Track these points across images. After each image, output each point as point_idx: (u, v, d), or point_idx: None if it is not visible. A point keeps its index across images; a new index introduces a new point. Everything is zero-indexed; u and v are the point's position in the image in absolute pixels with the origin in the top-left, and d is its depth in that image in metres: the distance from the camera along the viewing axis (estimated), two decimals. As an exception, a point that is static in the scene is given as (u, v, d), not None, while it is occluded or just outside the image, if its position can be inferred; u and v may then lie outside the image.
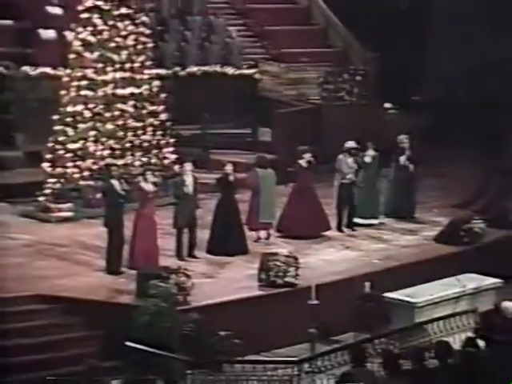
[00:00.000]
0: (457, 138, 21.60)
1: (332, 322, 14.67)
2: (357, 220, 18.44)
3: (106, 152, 18.56)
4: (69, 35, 19.45)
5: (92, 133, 18.50)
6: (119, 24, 18.88)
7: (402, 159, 18.93)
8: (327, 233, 17.94)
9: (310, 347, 14.27)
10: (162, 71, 21.20)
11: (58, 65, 19.72)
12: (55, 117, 18.49)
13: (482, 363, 10.96)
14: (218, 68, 23.32)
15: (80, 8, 18.87)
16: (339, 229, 18.16)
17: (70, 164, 18.31)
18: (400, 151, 19.01)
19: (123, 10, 18.91)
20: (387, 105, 23.70)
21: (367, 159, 18.52)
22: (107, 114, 18.68)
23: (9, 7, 21.62)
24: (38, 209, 18.25)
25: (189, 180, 16.49)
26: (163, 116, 19.35)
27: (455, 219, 18.04)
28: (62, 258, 16.20)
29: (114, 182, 15.92)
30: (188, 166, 16.72)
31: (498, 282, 16.50)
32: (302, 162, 17.72)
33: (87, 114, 18.53)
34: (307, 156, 17.72)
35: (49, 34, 21.10)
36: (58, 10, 21.30)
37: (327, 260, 16.81)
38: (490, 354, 11.42)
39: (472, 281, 16.30)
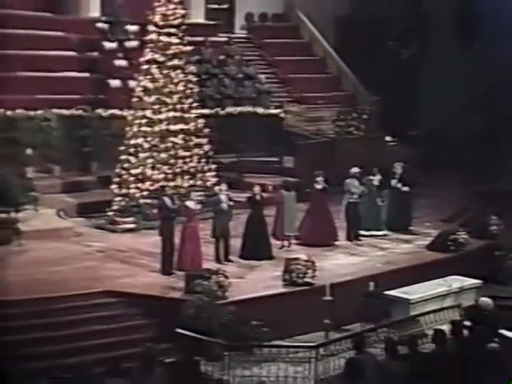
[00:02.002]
0: (444, 166, 21.40)
1: (342, 314, 14.57)
2: (362, 232, 18.24)
3: (161, 176, 18.45)
4: (132, 83, 19.47)
5: (150, 160, 18.45)
6: (172, 73, 18.81)
7: (396, 182, 18.70)
8: (337, 242, 17.76)
9: (325, 335, 14.18)
10: (206, 111, 21.09)
11: (123, 107, 19.71)
12: (121, 148, 18.48)
13: (465, 348, 11.02)
14: (250, 108, 23.20)
15: (141, 60, 18.86)
16: (348, 239, 17.97)
17: (132, 186, 18.25)
18: (398, 176, 18.81)
19: (175, 62, 18.85)
20: (388, 138, 23.54)
21: (375, 182, 18.38)
22: (162, 146, 18.61)
23: (86, 62, 21.90)
24: (107, 222, 18.18)
25: (224, 198, 16.41)
26: (206, 147, 19.22)
27: (443, 231, 17.93)
28: (125, 262, 16.16)
29: (167, 200, 15.91)
30: (223, 187, 16.64)
31: (478, 282, 16.39)
32: (318, 185, 17.65)
33: (146, 145, 18.48)
34: (321, 180, 17.62)
35: (116, 82, 21.15)
36: (123, 63, 21.31)
37: (338, 264, 16.67)
38: (471, 341, 11.44)
39: (457, 281, 16.21)
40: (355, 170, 18.11)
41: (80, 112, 20.70)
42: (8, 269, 15.14)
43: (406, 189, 18.67)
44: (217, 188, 18.26)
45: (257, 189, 16.87)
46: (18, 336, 13.03)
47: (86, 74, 21.73)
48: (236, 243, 16.63)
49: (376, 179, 18.41)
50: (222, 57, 24.03)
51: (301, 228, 17.51)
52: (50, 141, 20.01)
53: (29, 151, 19.46)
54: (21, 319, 13.42)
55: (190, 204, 15.85)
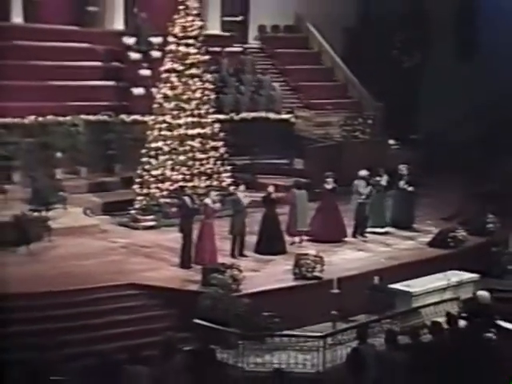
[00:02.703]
0: (444, 168, 21.31)
1: (349, 306, 14.56)
2: (368, 229, 18.23)
3: (180, 177, 18.43)
4: (154, 91, 19.46)
5: (169, 162, 18.43)
6: (190, 81, 18.75)
7: (403, 183, 18.74)
8: (345, 238, 17.75)
9: (332, 325, 14.18)
10: (222, 116, 21.01)
11: (145, 113, 19.66)
12: (143, 151, 18.48)
13: (463, 339, 11.00)
14: (263, 114, 23.05)
15: (161, 69, 18.90)
16: (354, 235, 17.98)
17: (153, 186, 18.23)
18: (401, 177, 18.82)
19: (193, 71, 18.81)
20: (391, 142, 23.46)
21: (383, 182, 18.35)
22: (180, 149, 18.58)
23: (111, 72, 21.80)
24: (129, 219, 18.16)
25: (242, 198, 16.51)
26: (222, 150, 19.18)
27: (443, 229, 17.88)
28: (147, 256, 16.16)
29: (187, 200, 15.97)
30: (242, 187, 16.72)
31: (476, 276, 16.37)
32: (327, 185, 17.67)
33: (166, 148, 18.46)
34: (330, 181, 17.64)
35: (139, 90, 21.13)
36: (147, 72, 21.25)
37: (345, 259, 16.64)
38: (470, 331, 11.45)
39: (455, 276, 16.17)
40: (363, 172, 18.09)
41: (105, 118, 20.70)
42: (41, 263, 15.31)
43: (411, 189, 18.65)
44: (232, 188, 18.39)
45: (271, 189, 16.87)
46: (50, 325, 13.11)
47: (111, 83, 21.70)
48: (251, 239, 16.61)
49: (383, 180, 18.37)
50: (238, 66, 23.95)
51: (312, 225, 17.47)
52: (78, 144, 20.05)
53: (58, 154, 19.56)
54: (53, 309, 13.51)
55: (208, 203, 15.85)
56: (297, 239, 17.28)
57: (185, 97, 18.68)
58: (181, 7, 18.63)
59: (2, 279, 13.98)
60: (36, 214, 16.49)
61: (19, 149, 19.09)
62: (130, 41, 21.82)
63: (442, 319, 11.84)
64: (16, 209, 16.52)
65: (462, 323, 11.85)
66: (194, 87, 18.79)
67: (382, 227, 18.44)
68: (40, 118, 19.73)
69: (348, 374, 10.33)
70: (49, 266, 15.16)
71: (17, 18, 21.57)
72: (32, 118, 19.64)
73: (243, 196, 16.49)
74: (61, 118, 19.99)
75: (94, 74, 21.69)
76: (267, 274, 15.52)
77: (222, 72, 23.27)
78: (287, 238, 17.05)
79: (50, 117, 19.89)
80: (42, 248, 15.96)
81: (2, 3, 21.24)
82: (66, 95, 20.48)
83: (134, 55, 21.70)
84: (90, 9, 23.18)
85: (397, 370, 10.24)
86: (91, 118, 20.55)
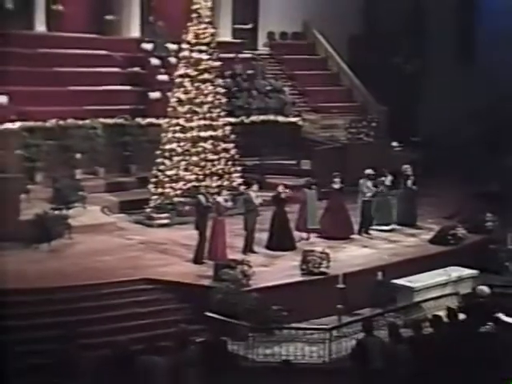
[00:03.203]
0: (444, 169, 21.25)
1: (354, 300, 14.55)
2: (374, 227, 18.22)
3: (192, 177, 18.43)
4: (169, 95, 19.37)
5: (183, 163, 18.41)
6: (202, 86, 18.72)
7: (408, 182, 18.74)
8: (352, 236, 17.71)
9: (338, 318, 14.16)
10: (232, 119, 20.93)
11: (160, 116, 19.69)
12: (157, 152, 18.48)
13: (463, 332, 11.02)
14: (272, 117, 23.00)
15: (175, 74, 18.93)
16: (360, 233, 17.95)
17: (167, 185, 18.22)
18: (405, 177, 18.80)
19: (205, 76, 18.76)
20: (394, 144, 23.36)
21: (387, 182, 18.33)
22: (193, 150, 18.56)
23: (128, 77, 21.99)
24: (145, 217, 18.15)
25: (254, 197, 16.48)
26: (233, 151, 19.13)
27: (444, 227, 17.86)
28: (162, 253, 16.15)
29: (201, 198, 16.00)
30: (254, 187, 16.71)
31: (475, 272, 16.34)
32: (335, 185, 17.65)
33: (179, 150, 18.44)
34: (338, 180, 17.64)
35: (155, 94, 21.14)
36: (164, 77, 21.24)
37: (351, 255, 16.58)
38: (470, 324, 11.45)
39: (455, 271, 16.15)
40: (368, 171, 18.06)
41: (122, 121, 20.74)
42: (62, 259, 15.37)
43: (415, 188, 18.66)
44: (242, 188, 18.36)
45: (280, 188, 16.87)
46: (72, 317, 13.18)
47: (128, 87, 21.76)
48: (261, 236, 16.63)
49: (387, 180, 18.36)
50: (250, 71, 23.91)
51: (321, 223, 17.46)
52: (96, 146, 20.08)
53: (78, 156, 19.66)
54: (74, 303, 13.58)
55: (220, 201, 15.88)
56: (304, 235, 17.26)
57: (197, 101, 18.68)
58: (194, 15, 18.67)
59: (26, 275, 14.16)
60: (57, 212, 16.55)
61: (41, 151, 19.15)
62: (148, 47, 21.94)
63: (442, 313, 11.87)
64: (38, 208, 16.58)
65: (461, 317, 11.86)
66: (206, 91, 18.78)
67: (388, 225, 18.42)
68: (61, 122, 19.80)
69: (353, 364, 10.37)
70: (69, 261, 15.21)
71: (40, 27, 21.88)
72: (53, 121, 19.72)
73: (255, 196, 16.49)
74: (80, 122, 20.07)
75: (112, 79, 21.77)
76: (276, 270, 15.49)
77: (237, 78, 23.25)
78: (296, 235, 17.00)
79: (70, 120, 19.96)
80: (63, 245, 16.02)
81: (27, 13, 21.46)
82: (85, 99, 20.56)
83: (155, 61, 21.80)
84: (109, 18, 23.31)
85: (399, 362, 10.27)
86: (109, 121, 20.58)
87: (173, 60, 21.15)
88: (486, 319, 11.36)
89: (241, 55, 24.20)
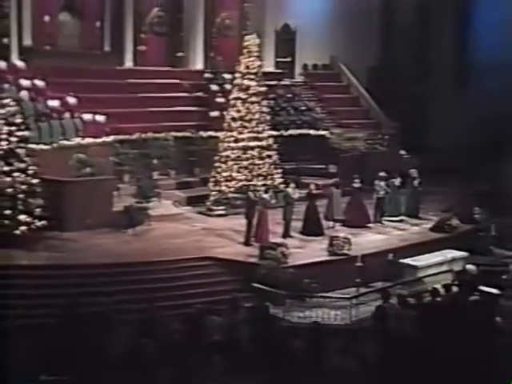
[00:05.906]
0: (443, 173, 20.84)
1: (369, 275, 14.55)
2: (386, 218, 18.19)
3: (243, 177, 18.46)
4: (226, 114, 19.42)
5: (235, 167, 18.42)
6: (251, 106, 18.72)
7: (415, 182, 18.66)
8: (369, 224, 17.67)
9: (356, 289, 14.15)
10: (274, 132, 20.84)
11: (218, 130, 19.67)
12: (216, 158, 18.53)
13: (456, 300, 10.98)
14: (305, 130, 23.03)
15: (230, 97, 19.08)
16: (375, 222, 17.86)
17: (223, 184, 18.30)
18: (411, 179, 18.73)
19: (253, 99, 18.75)
20: (403, 152, 23.11)
21: (397, 183, 18.30)
22: (243, 156, 18.55)
23: (194, 100, 22.14)
24: (206, 209, 18.25)
25: (292, 193, 16.62)
26: (275, 157, 19.11)
27: (442, 218, 17.73)
28: (219, 236, 16.21)
29: (250, 194, 16.18)
30: (292, 186, 16.85)
31: (465, 254, 16.23)
32: (355, 184, 17.69)
33: (232, 156, 18.43)
34: (357, 181, 17.68)
35: (215, 113, 21.21)
36: (222, 100, 21.32)
37: (368, 240, 16.54)
38: (461, 295, 11.42)
39: (450, 253, 16.07)
40: (382, 174, 18.03)
41: (188, 134, 20.92)
42: (143, 241, 15.66)
43: (419, 188, 18.56)
44: (282, 186, 18.35)
45: (312, 186, 16.97)
46: (154, 284, 13.46)
47: (193, 108, 21.96)
48: (297, 224, 16.69)
49: (397, 181, 18.32)
50: (289, 95, 23.95)
51: (344, 214, 17.47)
52: (169, 154, 20.29)
53: (155, 161, 19.94)
54: (155, 273, 13.86)
55: (265, 197, 16.03)
56: (331, 224, 17.27)
57: (247, 118, 18.72)
58: (245, 51, 18.82)
59: (118, 253, 14.50)
60: (139, 205, 16.81)
61: (128, 157, 19.48)
62: (210, 76, 22.27)
63: (439, 286, 11.83)
64: (126, 201, 16.87)
65: (454, 289, 11.81)
66: (253, 110, 18.80)
67: (397, 216, 18.37)
68: (143, 135, 20.11)
69: (374, 323, 10.35)
70: (149, 243, 15.45)
71: (128, 63, 22.47)
72: (137, 134, 20.05)
73: (293, 192, 16.57)
74: (157, 135, 20.33)
75: (181, 101, 21.98)
76: (308, 251, 15.47)
77: (277, 99, 23.33)
78: (324, 223, 17.02)
79: (149, 134, 20.26)
80: (144, 230, 16.23)
81: (119, 53, 22.15)
82: (160, 118, 20.81)
83: (214, 87, 21.98)
84: (179, 54, 23.63)
85: (406, 323, 10.26)
86: (179, 134, 20.79)
87: (228, 86, 21.32)
88: (473, 291, 11.37)
89: (281, 82, 24.31)
